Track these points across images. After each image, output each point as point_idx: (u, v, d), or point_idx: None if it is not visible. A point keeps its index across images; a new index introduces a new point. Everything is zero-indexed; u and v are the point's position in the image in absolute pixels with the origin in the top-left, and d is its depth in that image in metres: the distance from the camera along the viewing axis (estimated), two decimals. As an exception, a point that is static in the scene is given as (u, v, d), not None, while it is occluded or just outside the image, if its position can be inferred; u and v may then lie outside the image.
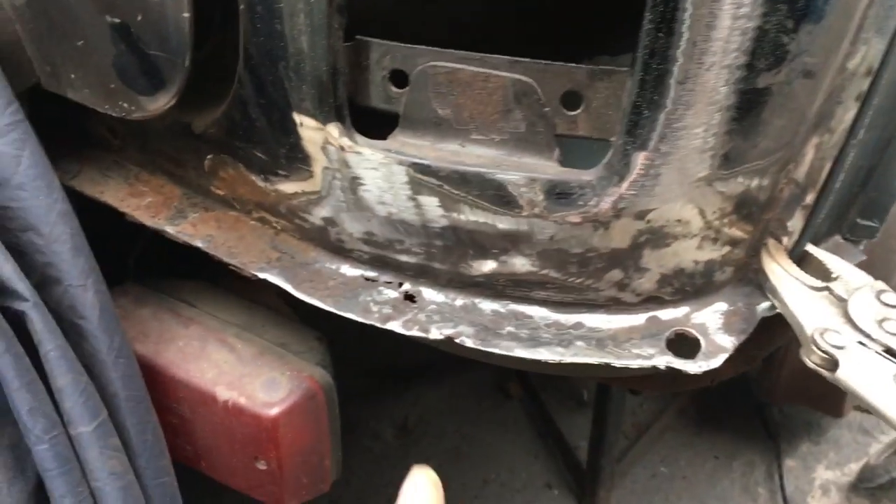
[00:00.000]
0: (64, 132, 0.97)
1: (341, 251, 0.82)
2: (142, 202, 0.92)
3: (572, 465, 2.03)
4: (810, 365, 0.68)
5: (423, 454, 2.08)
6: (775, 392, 1.87)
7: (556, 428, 2.08)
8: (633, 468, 2.06)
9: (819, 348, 0.67)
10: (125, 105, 0.80)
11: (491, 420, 2.15)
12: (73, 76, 0.82)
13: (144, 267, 1.16)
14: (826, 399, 1.84)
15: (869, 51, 0.66)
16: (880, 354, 0.67)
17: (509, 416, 2.16)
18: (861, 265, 0.77)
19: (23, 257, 0.81)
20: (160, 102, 0.77)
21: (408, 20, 0.76)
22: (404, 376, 2.24)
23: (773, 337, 0.91)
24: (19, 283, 0.78)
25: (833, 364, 0.66)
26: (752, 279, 0.79)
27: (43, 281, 0.82)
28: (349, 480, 1.97)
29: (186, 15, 0.69)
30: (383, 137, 0.74)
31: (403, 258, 0.79)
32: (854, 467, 2.07)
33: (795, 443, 2.12)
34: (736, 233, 0.73)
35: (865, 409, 1.95)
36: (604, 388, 1.83)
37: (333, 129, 0.72)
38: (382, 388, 2.22)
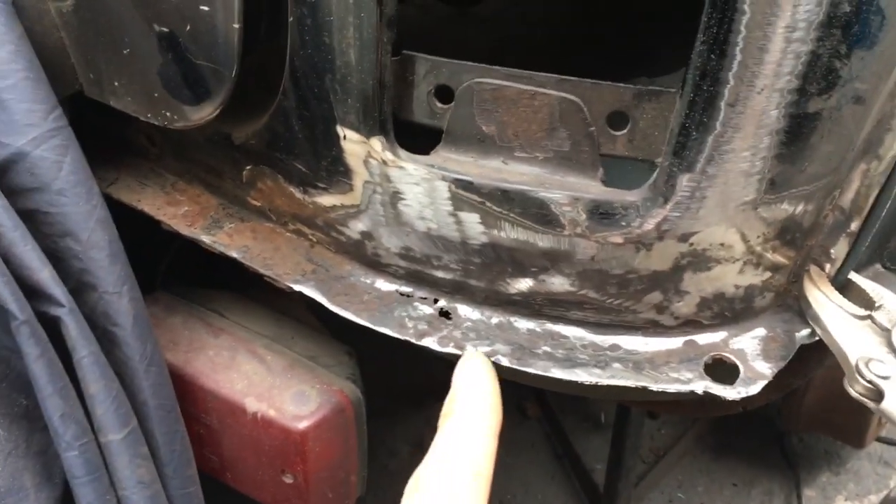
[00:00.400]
0: (102, 140, 0.97)
1: (377, 266, 0.82)
2: (178, 211, 0.92)
3: (589, 488, 2.01)
4: (854, 395, 0.67)
5: (438, 472, 2.07)
6: (797, 421, 1.86)
7: (574, 450, 2.07)
8: (650, 492, 2.04)
9: (864, 378, 0.66)
10: (168, 114, 0.80)
11: (508, 440, 2.13)
12: (116, 84, 0.83)
13: (173, 277, 1.17)
14: (848, 429, 1.83)
15: (921, 78, 0.65)
16: (926, 386, 0.66)
17: (526, 436, 2.15)
18: None
19: (60, 263, 0.81)
20: (204, 112, 0.77)
21: (453, 37, 0.76)
22: (421, 393, 2.23)
23: (808, 365, 0.90)
24: (56, 289, 0.78)
25: (878, 394, 0.65)
26: (791, 305, 0.78)
27: (79, 287, 0.82)
28: (365, 498, 1.96)
29: (236, 26, 0.69)
30: (421, 153, 0.74)
31: (440, 274, 0.79)
32: (874, 499, 2.04)
33: (815, 473, 2.10)
34: (778, 258, 0.73)
35: (887, 441, 1.92)
36: (623, 410, 1.82)
37: (377, 143, 0.72)
38: (399, 405, 2.22)
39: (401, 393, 2.23)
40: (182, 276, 1.18)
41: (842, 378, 0.69)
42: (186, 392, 0.92)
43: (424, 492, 0.58)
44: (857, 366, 0.66)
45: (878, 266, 0.83)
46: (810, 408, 1.79)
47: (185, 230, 0.89)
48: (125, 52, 0.79)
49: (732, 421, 2.20)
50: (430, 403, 2.20)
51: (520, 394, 2.22)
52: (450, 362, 0.86)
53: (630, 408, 1.78)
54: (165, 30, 0.74)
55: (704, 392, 0.72)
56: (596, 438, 2.13)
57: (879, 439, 2.08)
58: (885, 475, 2.12)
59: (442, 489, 0.58)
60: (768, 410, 2.20)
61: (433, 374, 2.27)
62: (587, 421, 2.19)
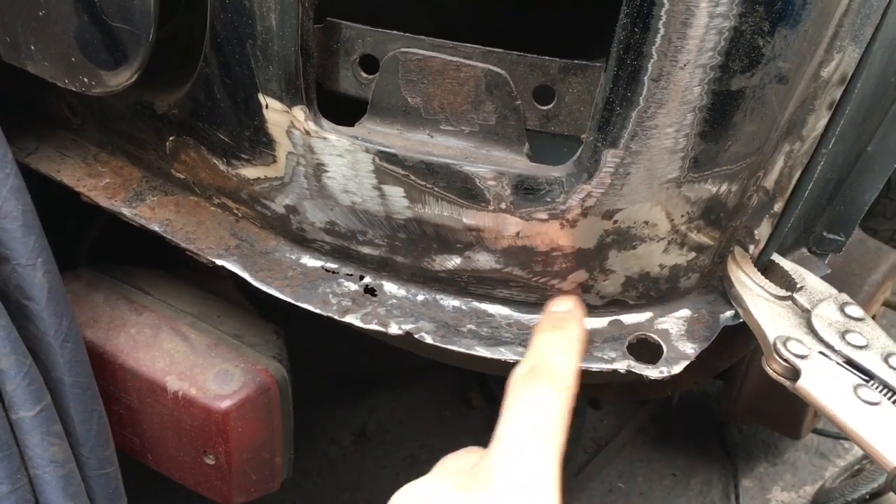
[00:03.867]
0: (22, 109, 0.94)
1: (303, 241, 0.80)
2: (99, 183, 0.89)
3: (530, 478, 2.01)
4: (771, 374, 0.67)
5: (381, 461, 2.06)
6: (735, 412, 1.88)
7: (516, 439, 2.07)
8: (590, 483, 2.05)
9: (781, 357, 0.66)
10: (85, 80, 0.77)
11: (451, 429, 2.13)
12: (33, 48, 0.79)
13: (99, 254, 1.13)
14: (784, 421, 1.85)
15: (843, 59, 0.66)
16: (841, 366, 0.66)
17: (469, 425, 2.14)
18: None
19: (-31, 233, 0.78)
20: (121, 78, 0.74)
21: (391, 16, 0.74)
22: (365, 382, 2.21)
23: (734, 348, 0.91)
24: (-36, 259, 0.75)
25: (794, 373, 0.65)
26: (716, 287, 0.78)
27: (-10, 258, 0.79)
28: (303, 485, 1.94)
29: (152, -14, 0.67)
30: (351, 125, 0.72)
31: (366, 250, 0.77)
32: (809, 490, 2.08)
33: (753, 463, 2.13)
34: (703, 238, 0.73)
35: (823, 432, 1.95)
36: (565, 400, 1.82)
37: (299, 113, 0.70)
38: (342, 393, 2.19)
39: (345, 381, 2.21)
40: (108, 254, 1.15)
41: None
42: (106, 370, 0.90)
43: None
44: (774, 344, 0.66)
45: (804, 250, 0.83)
46: (748, 399, 1.81)
47: (106, 203, 0.87)
48: (41, 13, 0.76)
49: (673, 413, 2.22)
50: (373, 393, 2.19)
51: (463, 383, 2.22)
52: (392, 350, 0.84)
53: (572, 397, 1.79)
54: (81, -10, 0.71)
55: (627, 371, 0.72)
56: (539, 428, 2.13)
57: (816, 431, 2.12)
58: (821, 466, 2.16)
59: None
60: (708, 402, 2.22)
61: (377, 363, 2.26)
62: (530, 411, 2.19)
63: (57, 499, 0.83)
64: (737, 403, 1.84)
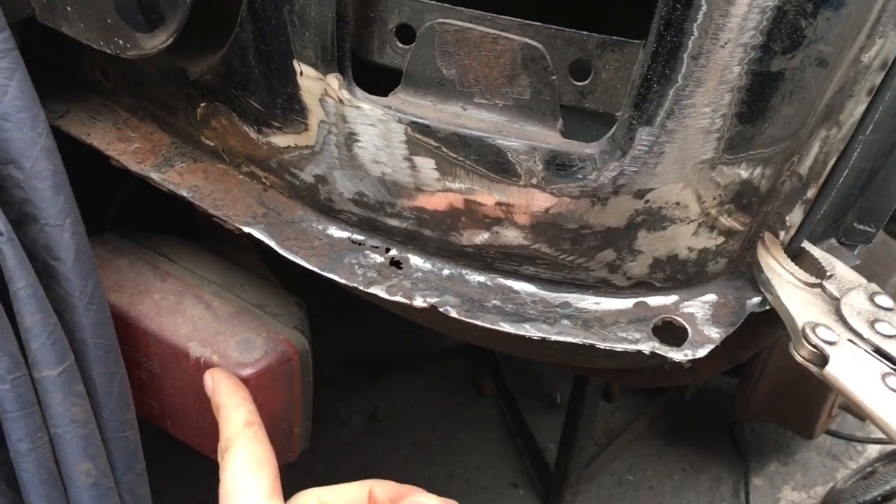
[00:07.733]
0: (55, 72, 0.94)
1: (330, 211, 0.80)
2: (129, 147, 0.89)
3: (540, 466, 2.02)
4: (799, 360, 0.66)
5: (391, 445, 2.06)
6: (748, 409, 1.87)
7: (527, 428, 2.07)
8: (600, 474, 2.05)
9: (809, 342, 0.65)
10: (121, 42, 0.77)
11: (462, 415, 2.14)
12: (69, 9, 0.80)
13: (125, 221, 1.14)
14: (798, 420, 1.85)
15: (885, 45, 0.65)
16: (870, 354, 0.66)
17: (481, 412, 2.15)
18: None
19: (1, 191, 0.78)
20: (157, 41, 0.74)
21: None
22: (378, 366, 2.22)
23: (758, 336, 0.90)
24: (-6, 216, 0.75)
25: (822, 359, 0.65)
26: (744, 273, 0.78)
27: (20, 218, 0.80)
28: (313, 465, 1.95)
29: (192, -53, 0.67)
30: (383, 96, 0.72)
31: (393, 223, 0.77)
32: (820, 490, 2.07)
33: (764, 461, 2.13)
34: (733, 223, 0.72)
35: (836, 434, 1.94)
36: (578, 391, 1.82)
37: (333, 81, 0.70)
38: (355, 375, 2.20)
39: (358, 364, 2.22)
40: (137, 222, 1.15)
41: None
42: (129, 335, 0.90)
43: None
44: (803, 330, 0.66)
45: (833, 241, 0.83)
46: (762, 397, 1.81)
47: (135, 167, 0.87)
48: (79, -27, 0.76)
49: (685, 408, 2.22)
50: (386, 377, 2.20)
51: (476, 370, 2.22)
52: (406, 334, 0.84)
53: (586, 389, 1.79)
54: (120, -50, 0.71)
55: (651, 352, 0.72)
56: (550, 419, 2.13)
57: (829, 432, 2.11)
58: (833, 468, 2.15)
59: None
60: (720, 398, 2.22)
61: (391, 347, 2.26)
62: (542, 401, 2.20)
63: (76, 458, 0.84)
64: (751, 401, 1.84)
